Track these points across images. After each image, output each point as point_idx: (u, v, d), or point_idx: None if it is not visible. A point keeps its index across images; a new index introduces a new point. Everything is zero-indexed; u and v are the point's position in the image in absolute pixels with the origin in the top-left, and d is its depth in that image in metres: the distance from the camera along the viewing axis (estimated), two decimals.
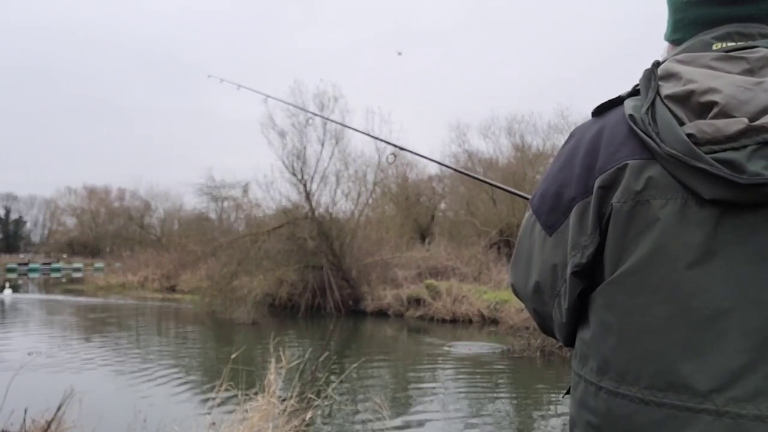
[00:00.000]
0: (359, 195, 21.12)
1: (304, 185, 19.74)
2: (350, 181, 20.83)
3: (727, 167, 0.76)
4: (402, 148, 2.04)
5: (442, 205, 31.27)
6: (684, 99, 0.84)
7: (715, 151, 0.78)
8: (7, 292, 24.79)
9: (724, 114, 0.80)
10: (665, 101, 0.85)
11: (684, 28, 0.99)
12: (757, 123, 0.77)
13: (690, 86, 0.84)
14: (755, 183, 0.75)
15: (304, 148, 19.93)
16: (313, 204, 19.77)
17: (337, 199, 20.61)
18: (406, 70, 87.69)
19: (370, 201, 22.73)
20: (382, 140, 2.28)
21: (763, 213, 0.77)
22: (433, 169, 30.71)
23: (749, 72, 0.84)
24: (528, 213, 1.01)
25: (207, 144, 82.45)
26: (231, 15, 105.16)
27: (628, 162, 0.85)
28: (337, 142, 20.27)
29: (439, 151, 29.06)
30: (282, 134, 19.88)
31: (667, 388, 0.79)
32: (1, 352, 11.33)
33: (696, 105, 0.82)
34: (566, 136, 1.00)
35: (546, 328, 1.05)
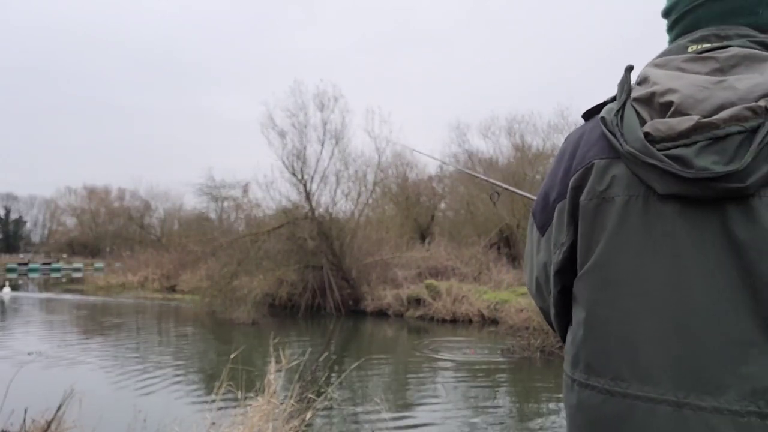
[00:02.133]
0: (359, 195, 21.12)
1: (304, 185, 19.73)
2: (350, 181, 20.83)
3: (678, 163, 0.79)
4: (506, 188, 2.03)
5: (442, 205, 31.27)
6: (647, 100, 0.87)
7: (669, 148, 0.80)
8: (6, 290, 24.82)
9: (680, 112, 0.82)
10: (633, 103, 0.89)
11: (677, 36, 1.01)
12: (706, 120, 0.79)
13: (653, 88, 0.87)
14: (702, 177, 0.77)
15: (304, 148, 19.95)
16: (313, 204, 19.76)
17: (337, 199, 20.62)
18: (406, 70, 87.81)
19: (370, 201, 22.74)
20: (488, 180, 2.22)
21: (723, 208, 0.78)
22: (432, 169, 30.78)
23: (719, 71, 0.86)
24: (531, 214, 1.07)
25: (207, 144, 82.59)
26: (231, 15, 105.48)
27: (594, 161, 0.89)
28: (337, 142, 20.30)
29: (439, 151, 29.08)
30: (282, 134, 19.90)
31: (631, 379, 0.81)
32: (1, 351, 11.33)
33: (658, 105, 0.85)
34: (566, 136, 1.02)
35: (551, 324, 1.09)
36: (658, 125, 0.82)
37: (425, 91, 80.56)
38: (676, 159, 0.79)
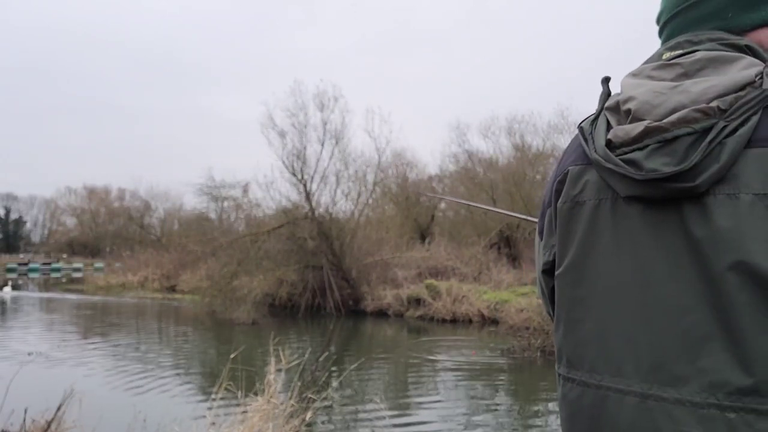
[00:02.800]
0: (359, 195, 21.15)
1: (304, 185, 19.75)
2: (350, 181, 20.86)
3: (631, 166, 0.83)
4: (527, 218, 2.09)
5: (442, 205, 31.27)
6: (615, 109, 0.92)
7: (626, 153, 0.85)
8: (7, 290, 24.85)
9: (636, 118, 0.87)
10: (605, 112, 0.94)
11: (662, 44, 1.04)
12: (655, 124, 0.83)
13: (619, 97, 0.92)
14: (651, 178, 0.81)
15: (304, 148, 19.98)
16: (313, 204, 19.77)
17: (337, 199, 20.66)
18: (406, 70, 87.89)
19: (370, 201, 22.75)
20: (521, 217, 2.25)
21: (681, 207, 0.81)
22: (433, 169, 30.80)
23: (683, 76, 0.89)
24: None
25: (207, 144, 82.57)
26: (231, 15, 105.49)
27: (569, 168, 0.95)
28: (337, 142, 20.34)
29: (439, 151, 29.14)
30: (282, 134, 19.95)
31: (604, 371, 0.86)
32: (1, 351, 11.33)
33: (622, 113, 0.90)
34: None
35: None
36: (618, 131, 0.87)
37: (425, 91, 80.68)
38: (630, 162, 0.83)
